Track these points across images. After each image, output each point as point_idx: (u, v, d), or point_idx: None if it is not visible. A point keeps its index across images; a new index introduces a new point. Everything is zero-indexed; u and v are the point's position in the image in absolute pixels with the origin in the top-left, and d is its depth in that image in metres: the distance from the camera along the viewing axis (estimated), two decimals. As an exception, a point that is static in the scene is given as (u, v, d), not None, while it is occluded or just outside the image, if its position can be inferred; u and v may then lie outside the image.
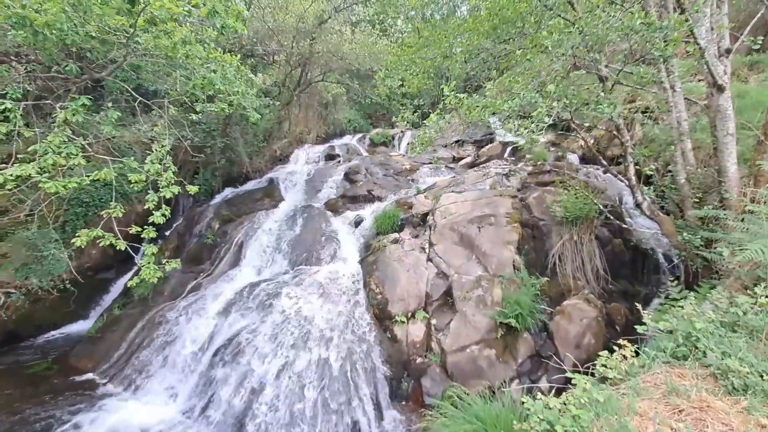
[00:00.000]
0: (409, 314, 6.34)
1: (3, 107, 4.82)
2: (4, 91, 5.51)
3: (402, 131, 14.74)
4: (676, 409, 2.32)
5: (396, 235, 7.62)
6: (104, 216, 5.14)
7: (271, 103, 11.19)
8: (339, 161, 12.24)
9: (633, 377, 2.68)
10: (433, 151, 12.48)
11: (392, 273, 6.68)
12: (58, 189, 4.66)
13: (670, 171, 6.63)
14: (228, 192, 11.10)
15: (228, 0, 5.49)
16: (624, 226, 6.63)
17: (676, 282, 5.12)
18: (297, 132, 13.50)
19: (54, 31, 4.78)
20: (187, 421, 5.16)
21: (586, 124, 6.12)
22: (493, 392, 4.30)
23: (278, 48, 12.26)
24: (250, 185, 11.35)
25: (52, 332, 7.92)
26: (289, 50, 11.64)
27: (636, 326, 3.46)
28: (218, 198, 10.76)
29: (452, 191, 8.26)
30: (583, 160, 9.72)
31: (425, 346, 6.12)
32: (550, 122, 4.06)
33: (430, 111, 6.82)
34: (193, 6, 5.17)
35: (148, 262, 5.08)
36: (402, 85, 10.29)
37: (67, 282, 7.55)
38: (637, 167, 6.61)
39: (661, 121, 7.78)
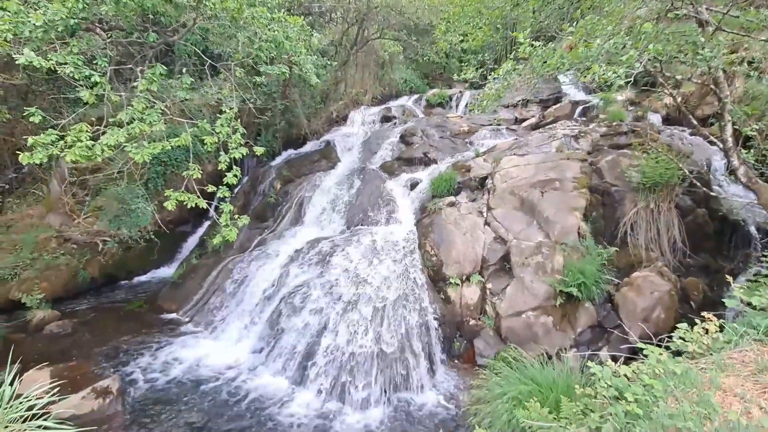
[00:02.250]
0: (464, 277, 6.34)
1: (90, 70, 5.25)
2: (93, 57, 5.99)
3: (460, 92, 14.07)
4: (767, 389, 2.13)
5: (452, 198, 7.50)
6: (184, 176, 5.59)
7: (328, 63, 11.14)
8: (395, 123, 12.06)
9: (716, 353, 2.49)
10: (493, 112, 11.83)
11: (448, 236, 6.64)
12: (145, 158, 5.10)
13: (776, 132, 5.75)
14: (288, 153, 11.48)
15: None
16: (711, 194, 5.94)
17: (771, 257, 4.57)
18: (353, 93, 13.40)
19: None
20: (256, 360, 5.72)
21: (678, 77, 5.39)
22: (549, 357, 4.26)
23: (335, 4, 12.01)
24: (308, 147, 11.63)
25: (141, 277, 9.00)
26: (347, 6, 11.36)
27: (715, 303, 3.17)
28: (279, 159, 11.19)
29: (514, 154, 7.86)
30: (667, 120, 8.71)
31: (479, 309, 6.13)
32: (640, 69, 3.58)
33: (494, 67, 6.40)
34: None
35: (226, 221, 5.49)
36: (463, 41, 9.70)
37: (152, 233, 8.43)
38: (735, 128, 5.80)
39: (770, 74, 6.68)
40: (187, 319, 6.89)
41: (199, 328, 6.60)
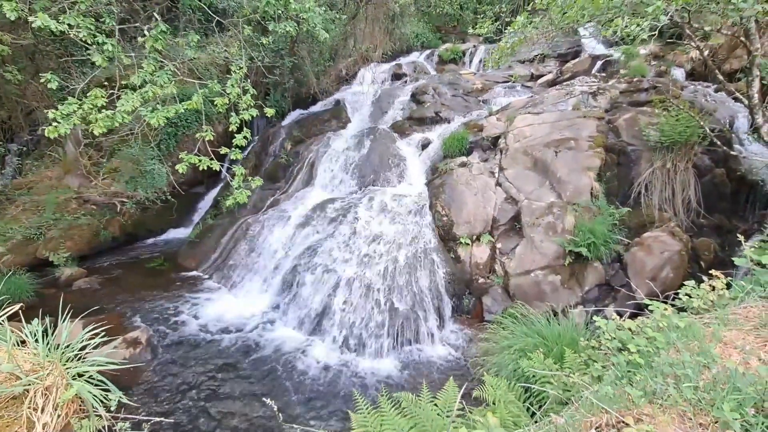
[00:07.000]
0: (474, 237, 6.42)
1: (101, 35, 5.15)
2: (99, 15, 5.84)
3: (474, 46, 13.47)
4: None
5: (464, 158, 7.43)
6: (196, 137, 5.62)
7: (337, 17, 10.67)
8: (406, 81, 11.72)
9: (720, 309, 2.56)
10: (508, 68, 11.38)
11: (459, 196, 6.67)
12: (160, 121, 5.10)
13: (807, 88, 5.48)
14: (297, 113, 11.33)
15: None
16: (731, 153, 5.79)
17: (788, 218, 4.52)
18: (363, 49, 12.92)
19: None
20: (274, 314, 6.02)
21: (707, 28, 5.09)
22: (556, 314, 4.39)
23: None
24: (317, 107, 11.44)
25: (160, 236, 9.31)
26: (355, -46, 10.71)
27: (725, 263, 3.19)
28: (289, 119, 11.07)
29: (528, 112, 7.66)
30: (692, 75, 8.32)
31: (488, 268, 6.26)
32: (666, 21, 3.39)
33: (511, 20, 6.11)
34: None
35: (239, 184, 5.58)
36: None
37: (168, 194, 8.60)
38: (764, 83, 5.53)
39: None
40: (206, 276, 7.20)
41: (218, 284, 6.91)
